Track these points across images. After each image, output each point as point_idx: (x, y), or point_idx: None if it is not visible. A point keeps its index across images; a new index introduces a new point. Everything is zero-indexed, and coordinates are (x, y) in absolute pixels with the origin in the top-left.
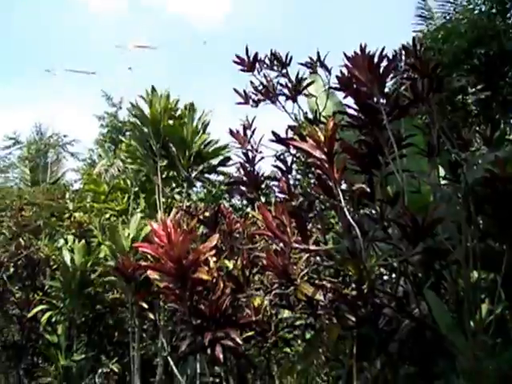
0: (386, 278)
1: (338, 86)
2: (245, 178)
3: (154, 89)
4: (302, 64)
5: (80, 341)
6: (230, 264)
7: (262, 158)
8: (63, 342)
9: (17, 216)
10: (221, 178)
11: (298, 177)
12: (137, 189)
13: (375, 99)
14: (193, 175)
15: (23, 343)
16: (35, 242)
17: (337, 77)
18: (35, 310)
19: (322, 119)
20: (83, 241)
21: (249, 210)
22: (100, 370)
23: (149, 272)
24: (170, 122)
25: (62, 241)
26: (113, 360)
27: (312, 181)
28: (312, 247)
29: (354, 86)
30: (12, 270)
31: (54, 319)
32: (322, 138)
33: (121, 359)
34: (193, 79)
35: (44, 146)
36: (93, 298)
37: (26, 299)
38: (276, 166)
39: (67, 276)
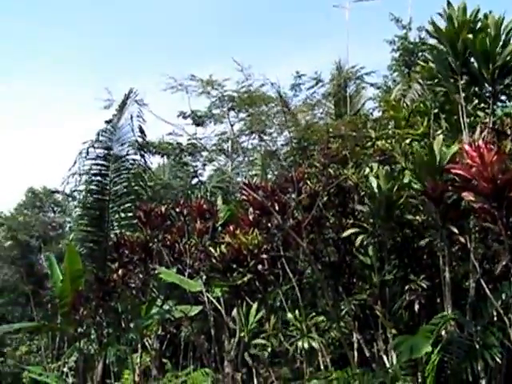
0: None
1: None
2: None
3: (449, 3)
4: None
5: (390, 262)
6: None
7: None
8: (375, 262)
9: (325, 148)
10: None
11: None
12: (436, 110)
13: None
14: (498, 89)
15: (339, 263)
16: (343, 172)
17: None
18: (348, 233)
19: None
20: (387, 167)
21: None
22: (407, 287)
23: (464, 194)
24: (470, 36)
25: (367, 169)
26: (420, 277)
27: None
28: None
29: None
30: (325, 198)
31: (365, 242)
32: None
33: (429, 281)
34: None
35: (343, 80)
36: (400, 222)
37: (339, 223)
38: None
39: (374, 201)
